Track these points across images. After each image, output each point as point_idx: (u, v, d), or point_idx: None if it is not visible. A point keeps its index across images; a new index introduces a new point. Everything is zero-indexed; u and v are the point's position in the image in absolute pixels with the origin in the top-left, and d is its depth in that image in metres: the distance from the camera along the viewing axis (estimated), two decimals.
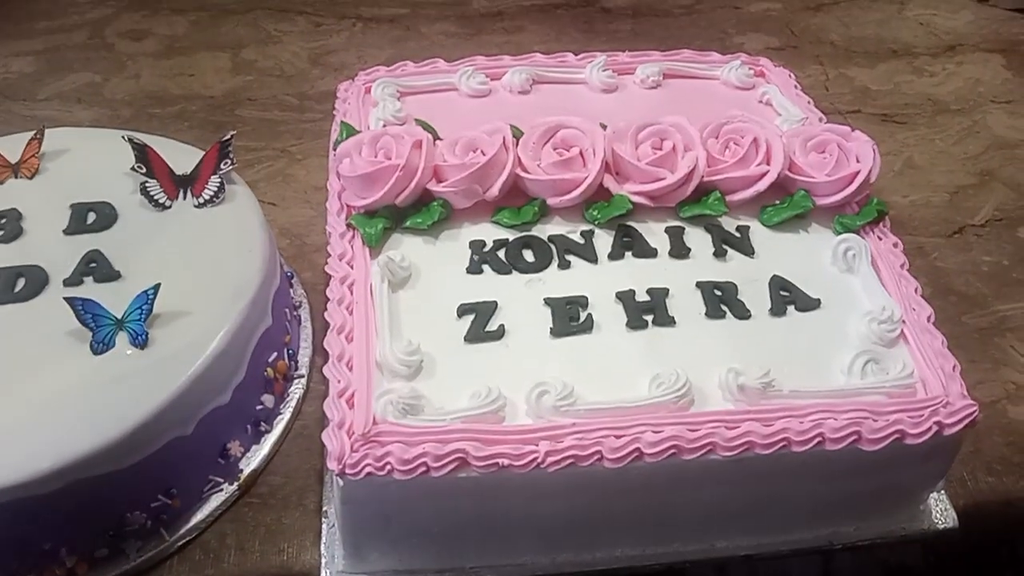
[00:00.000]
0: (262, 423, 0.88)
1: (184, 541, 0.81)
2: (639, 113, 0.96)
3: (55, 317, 0.78)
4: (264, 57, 1.47)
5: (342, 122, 0.96)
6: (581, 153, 0.89)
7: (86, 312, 0.77)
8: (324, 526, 0.82)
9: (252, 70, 1.44)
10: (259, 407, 0.87)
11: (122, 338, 0.78)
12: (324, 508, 0.83)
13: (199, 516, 0.82)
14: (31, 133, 0.98)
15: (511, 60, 1.08)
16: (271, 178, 1.22)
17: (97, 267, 0.84)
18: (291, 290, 1.00)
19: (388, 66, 1.08)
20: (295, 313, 0.98)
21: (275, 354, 0.89)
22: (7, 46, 1.48)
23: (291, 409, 0.91)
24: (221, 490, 0.84)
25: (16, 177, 0.94)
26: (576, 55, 1.09)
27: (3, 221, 0.88)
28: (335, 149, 0.92)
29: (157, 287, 0.79)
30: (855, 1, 1.66)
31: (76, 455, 0.70)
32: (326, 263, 0.85)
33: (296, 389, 0.93)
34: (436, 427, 0.69)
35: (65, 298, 0.77)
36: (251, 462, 0.86)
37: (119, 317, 0.78)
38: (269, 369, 0.88)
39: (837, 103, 1.39)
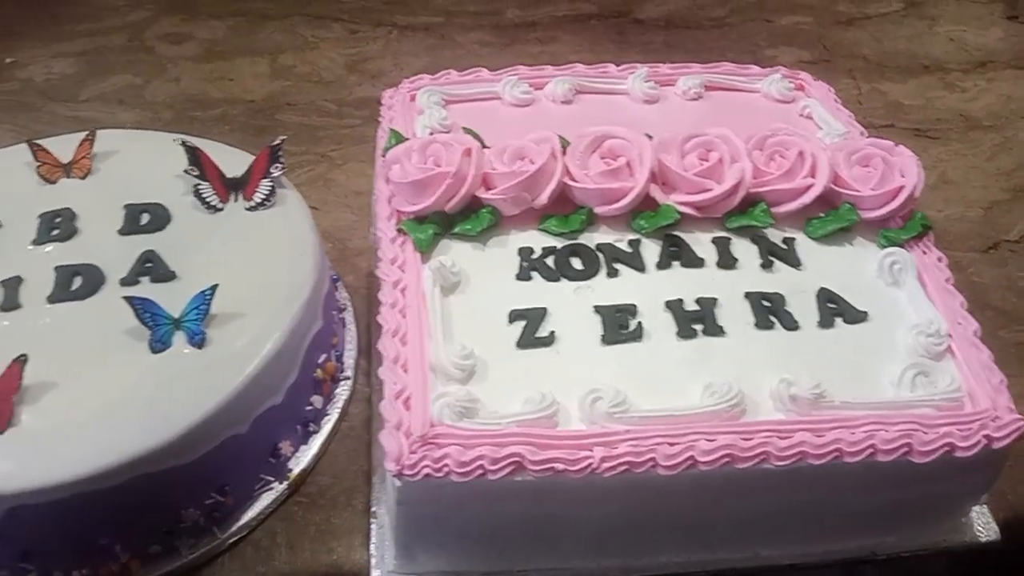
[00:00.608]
0: (311, 423, 0.89)
1: (235, 539, 0.82)
2: (681, 124, 0.97)
3: (112, 315, 0.80)
4: (302, 63, 1.49)
5: (391, 129, 0.97)
6: (628, 163, 0.89)
7: (145, 311, 0.78)
8: (373, 526, 0.83)
9: (291, 76, 1.46)
10: (308, 407, 0.89)
11: (179, 337, 0.79)
12: (373, 509, 0.84)
13: (250, 514, 0.83)
14: (81, 134, 0.99)
15: (553, 70, 1.09)
16: (312, 182, 1.23)
17: (153, 267, 0.85)
18: (336, 293, 1.01)
19: (425, 74, 1.09)
20: (340, 316, 0.99)
21: (324, 356, 0.90)
22: (48, 47, 1.50)
23: (338, 410, 0.92)
24: (271, 489, 0.85)
25: (68, 177, 0.96)
26: (617, 66, 1.10)
27: (58, 220, 0.90)
28: (384, 155, 0.93)
29: (214, 288, 0.80)
30: (886, 16, 1.68)
31: (139, 451, 0.71)
32: (376, 267, 0.86)
33: (342, 391, 0.94)
34: (492, 430, 0.70)
35: (125, 297, 0.79)
36: (300, 462, 0.87)
37: (176, 317, 0.79)
38: (319, 370, 0.90)
39: (870, 117, 1.40)
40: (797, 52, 1.55)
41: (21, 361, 0.74)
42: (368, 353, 0.99)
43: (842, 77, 1.50)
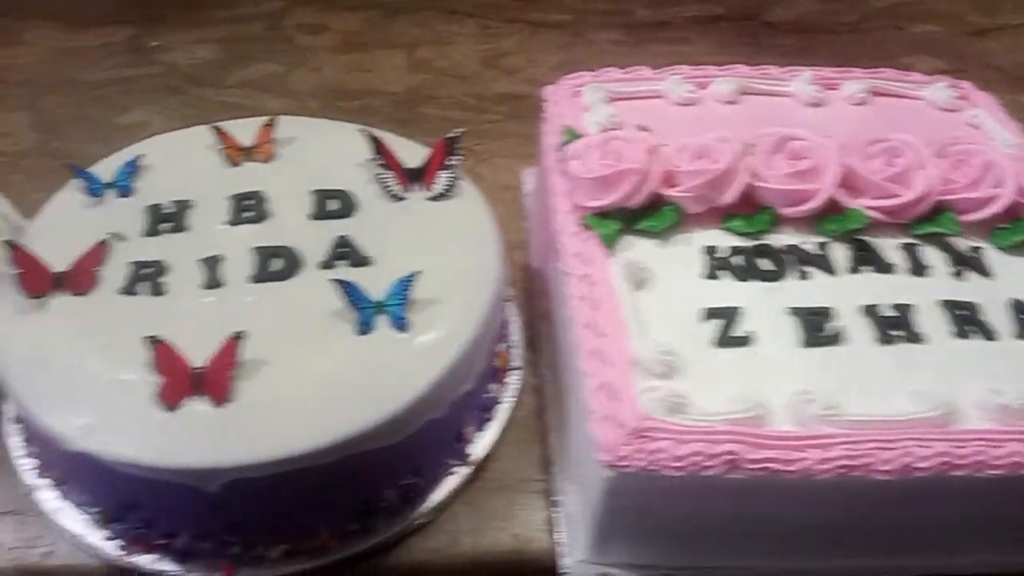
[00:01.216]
0: (488, 411, 0.90)
1: (425, 520, 0.83)
2: (849, 129, 0.97)
3: (314, 297, 0.82)
4: (438, 57, 1.50)
5: (566, 126, 0.98)
6: (815, 165, 0.89)
7: (351, 294, 0.80)
8: (557, 515, 0.84)
9: (428, 69, 1.47)
10: (486, 395, 0.90)
11: (381, 321, 0.80)
12: (555, 497, 0.85)
13: (437, 497, 0.85)
14: (257, 119, 1.01)
15: (715, 70, 1.10)
16: None
17: (349, 252, 0.86)
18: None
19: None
20: (508, 307, 1.00)
21: (502, 345, 0.92)
22: (190, 33, 1.53)
23: (510, 399, 0.93)
24: (455, 473, 0.86)
25: (251, 161, 0.98)
26: (781, 67, 1.10)
27: (250, 203, 0.92)
28: (561, 151, 0.94)
29: (416, 274, 0.81)
30: (1019, 28, 1.65)
31: (356, 430, 0.73)
32: (558, 260, 0.87)
33: (512, 380, 0.95)
34: (705, 427, 0.71)
35: (333, 280, 0.80)
36: (478, 447, 0.89)
37: (380, 301, 0.81)
38: (496, 359, 0.91)
39: None
40: (932, 61, 1.53)
41: (238, 337, 0.75)
42: (533, 345, 1.00)
43: (979, 88, 1.48)
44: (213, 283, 0.84)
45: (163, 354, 0.75)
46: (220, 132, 0.99)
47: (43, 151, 1.28)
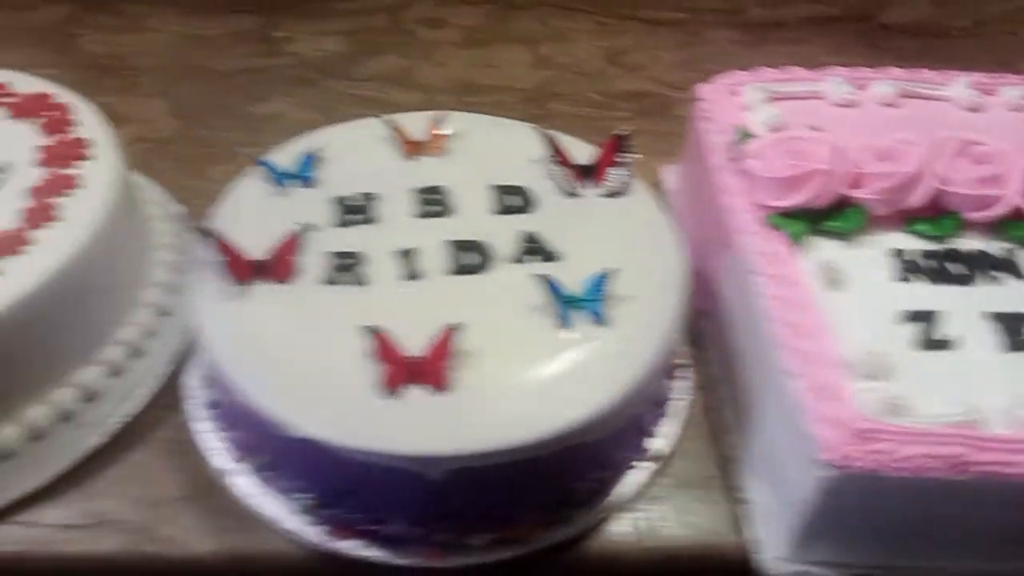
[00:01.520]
0: (662, 407, 0.92)
1: (609, 514, 0.85)
2: (1014, 134, 0.97)
3: (510, 291, 0.83)
4: (560, 53, 1.51)
5: (739, 125, 0.99)
6: (1000, 170, 0.90)
7: (552, 289, 0.81)
8: (746, 512, 0.85)
9: (552, 65, 1.48)
10: (662, 391, 0.91)
11: (579, 317, 0.81)
12: (741, 494, 0.86)
13: (622, 491, 0.86)
14: (423, 113, 1.03)
15: (871, 72, 1.10)
16: None
17: (537, 248, 0.88)
18: None
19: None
20: None
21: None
22: (314, 24, 1.55)
23: (684, 396, 0.94)
24: (637, 467, 0.87)
25: (425, 155, 0.99)
26: (934, 70, 1.11)
27: (435, 196, 0.93)
28: (734, 149, 0.95)
29: (612, 270, 0.82)
30: None
31: (578, 422, 0.74)
32: (738, 259, 0.89)
33: (682, 377, 0.96)
34: (926, 429, 0.72)
35: (535, 275, 0.81)
36: (661, 443, 0.90)
37: (578, 296, 0.82)
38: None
39: None
40: None
41: (454, 328, 0.77)
42: (695, 341, 1.01)
43: None
44: (413, 275, 0.85)
45: (381, 343, 0.76)
46: (395, 126, 1.00)
47: (186, 138, 1.30)
